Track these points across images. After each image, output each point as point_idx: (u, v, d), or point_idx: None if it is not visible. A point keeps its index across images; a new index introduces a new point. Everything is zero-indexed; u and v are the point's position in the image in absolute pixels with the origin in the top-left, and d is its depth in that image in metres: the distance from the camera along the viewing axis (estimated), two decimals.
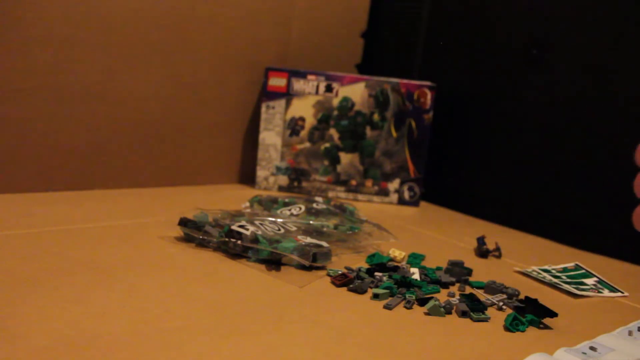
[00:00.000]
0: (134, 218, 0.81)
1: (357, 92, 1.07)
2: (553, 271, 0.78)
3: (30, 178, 0.87)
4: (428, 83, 1.07)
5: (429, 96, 1.07)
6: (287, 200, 0.90)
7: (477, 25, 1.10)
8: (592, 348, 0.53)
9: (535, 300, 0.61)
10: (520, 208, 1.02)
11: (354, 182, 1.10)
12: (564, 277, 0.75)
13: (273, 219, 0.77)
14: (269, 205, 0.88)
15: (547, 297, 0.67)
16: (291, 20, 1.13)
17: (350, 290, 0.63)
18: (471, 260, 0.79)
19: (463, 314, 0.59)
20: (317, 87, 1.07)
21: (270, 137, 1.08)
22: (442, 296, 0.64)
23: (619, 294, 0.72)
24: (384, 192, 1.10)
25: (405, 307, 0.60)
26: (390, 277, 0.67)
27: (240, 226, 0.70)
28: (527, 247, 0.91)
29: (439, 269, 0.72)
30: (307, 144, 1.08)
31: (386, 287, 0.63)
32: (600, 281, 0.75)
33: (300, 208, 0.86)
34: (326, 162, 1.09)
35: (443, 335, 0.55)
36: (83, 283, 0.57)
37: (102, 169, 0.94)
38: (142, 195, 0.95)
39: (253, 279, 0.64)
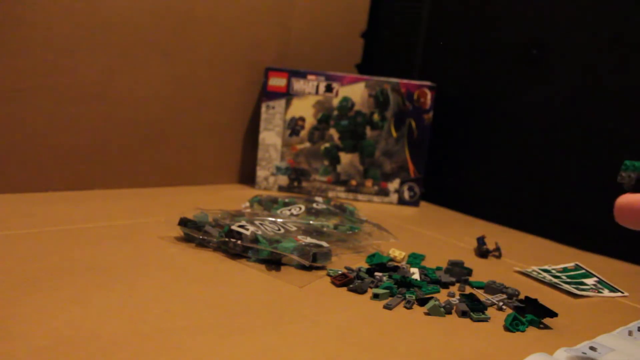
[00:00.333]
0: (134, 218, 0.81)
1: (357, 92, 1.07)
2: (553, 271, 0.78)
3: (30, 178, 0.87)
4: (428, 83, 1.07)
5: (429, 96, 1.07)
6: (287, 200, 0.90)
7: (477, 25, 1.10)
8: (592, 348, 0.53)
9: (535, 300, 0.61)
10: (520, 208, 1.02)
11: (354, 182, 1.10)
12: (564, 277, 0.75)
13: (273, 219, 0.77)
14: (269, 205, 0.88)
15: (547, 297, 0.67)
16: (291, 20, 1.13)
17: (350, 290, 0.63)
18: (471, 260, 0.79)
19: (463, 314, 0.59)
20: (317, 87, 1.07)
21: (270, 137, 1.08)
22: (442, 296, 0.64)
23: (619, 294, 0.72)
24: (384, 192, 1.10)
25: (405, 307, 0.60)
26: (390, 277, 0.67)
27: (240, 226, 0.70)
28: (527, 247, 0.91)
29: (439, 269, 0.72)
30: (307, 144, 1.08)
31: (386, 287, 0.63)
32: (600, 281, 0.75)
33: (300, 208, 0.86)
34: (326, 162, 1.09)
35: (443, 335, 0.55)
36: (83, 283, 0.57)
37: (102, 169, 0.94)
38: (142, 195, 0.95)
39: (253, 279, 0.64)
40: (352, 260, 0.73)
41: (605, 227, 0.90)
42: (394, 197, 1.10)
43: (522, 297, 0.65)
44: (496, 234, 0.91)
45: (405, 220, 0.99)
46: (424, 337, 0.54)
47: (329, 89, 1.07)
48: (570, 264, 0.81)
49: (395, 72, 1.13)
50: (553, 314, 0.59)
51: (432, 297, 0.61)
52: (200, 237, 0.71)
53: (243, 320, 0.53)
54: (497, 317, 0.60)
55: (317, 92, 1.07)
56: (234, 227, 0.70)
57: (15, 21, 0.82)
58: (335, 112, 1.08)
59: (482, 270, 0.74)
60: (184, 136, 1.03)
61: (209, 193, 1.03)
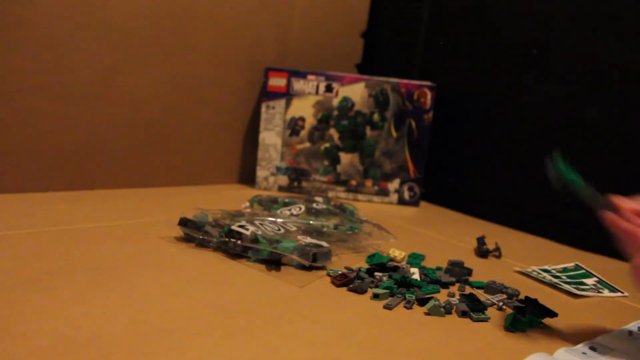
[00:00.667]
0: (134, 218, 0.81)
1: (357, 92, 1.07)
2: (553, 271, 0.78)
3: (30, 178, 0.87)
4: (428, 83, 1.07)
5: (429, 96, 1.07)
6: (287, 200, 0.90)
7: (477, 25, 1.10)
8: (592, 348, 0.53)
9: (535, 300, 0.61)
10: (520, 208, 1.02)
11: (354, 182, 1.10)
12: (564, 277, 0.75)
13: (273, 219, 0.77)
14: (269, 205, 0.88)
15: (547, 297, 0.67)
16: (291, 20, 1.13)
17: (350, 290, 0.63)
18: (471, 260, 0.79)
19: (463, 314, 0.59)
20: (317, 87, 1.07)
21: (270, 137, 1.08)
22: (442, 296, 0.64)
23: (619, 294, 0.72)
24: (384, 192, 1.10)
25: (405, 307, 0.60)
26: (390, 277, 0.67)
27: (240, 226, 0.70)
28: (527, 247, 0.91)
29: (439, 269, 0.72)
30: (307, 144, 1.08)
31: (386, 287, 0.63)
32: (600, 281, 0.75)
33: (300, 208, 0.86)
34: (326, 162, 1.09)
35: (443, 335, 0.55)
36: (83, 283, 0.57)
37: (102, 169, 0.94)
38: (142, 195, 0.95)
39: (253, 279, 0.64)
40: (352, 260, 0.73)
41: (606, 227, 0.90)
42: (394, 197, 1.10)
43: (522, 297, 0.65)
44: (496, 234, 0.91)
45: (405, 220, 0.99)
46: (424, 337, 0.54)
47: (329, 89, 1.07)
48: (570, 264, 0.81)
49: (395, 72, 1.13)
50: (553, 314, 0.59)
51: (432, 297, 0.61)
52: (200, 237, 0.71)
53: (243, 320, 0.53)
54: (497, 317, 0.60)
55: (317, 92, 1.07)
56: (234, 227, 0.69)
57: (15, 21, 0.82)
58: (335, 112, 1.08)
59: (482, 270, 0.74)
60: (184, 136, 1.03)
61: (209, 193, 1.03)
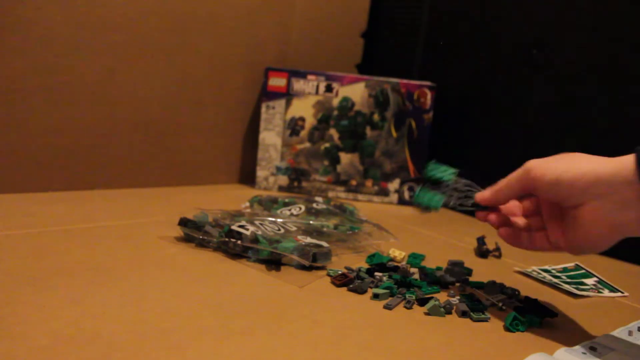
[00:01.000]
0: (134, 218, 0.81)
1: (357, 92, 1.07)
2: (553, 271, 0.78)
3: (30, 178, 0.87)
4: (428, 83, 1.07)
5: (429, 96, 1.07)
6: (287, 200, 0.90)
7: (477, 25, 1.10)
8: (592, 348, 0.53)
9: (535, 300, 0.61)
10: None
11: (354, 182, 1.10)
12: (564, 277, 0.75)
13: (273, 219, 0.77)
14: (269, 205, 0.88)
15: (547, 297, 0.67)
16: (291, 20, 1.13)
17: (350, 290, 0.63)
18: (471, 260, 0.79)
19: (463, 314, 0.59)
20: (317, 87, 1.07)
21: (270, 137, 1.08)
22: (442, 296, 0.64)
23: (619, 294, 0.72)
24: (384, 192, 1.10)
25: (405, 307, 0.60)
26: (390, 277, 0.67)
27: (240, 226, 0.70)
28: None
29: (439, 269, 0.72)
30: (307, 144, 1.08)
31: (386, 287, 0.63)
32: (600, 281, 0.75)
33: (300, 208, 0.86)
34: (326, 162, 1.09)
35: (443, 335, 0.55)
36: (83, 283, 0.57)
37: (102, 169, 0.94)
38: (142, 195, 0.95)
39: (253, 279, 0.64)
40: (352, 260, 0.73)
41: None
42: (394, 197, 1.10)
43: (522, 297, 0.65)
44: (496, 234, 0.91)
45: (405, 220, 0.99)
46: (424, 337, 0.54)
47: (329, 89, 1.07)
48: (570, 264, 0.81)
49: (395, 72, 1.13)
50: (553, 314, 0.59)
51: (432, 297, 0.61)
52: (200, 237, 0.71)
53: (243, 320, 0.53)
54: (497, 317, 0.60)
55: (317, 92, 1.07)
56: (234, 227, 0.69)
57: (15, 21, 0.82)
58: (335, 112, 1.08)
59: (482, 270, 0.74)
60: (184, 136, 1.03)
61: (209, 193, 1.03)
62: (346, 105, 1.07)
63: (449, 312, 0.60)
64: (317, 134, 1.08)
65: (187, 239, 0.73)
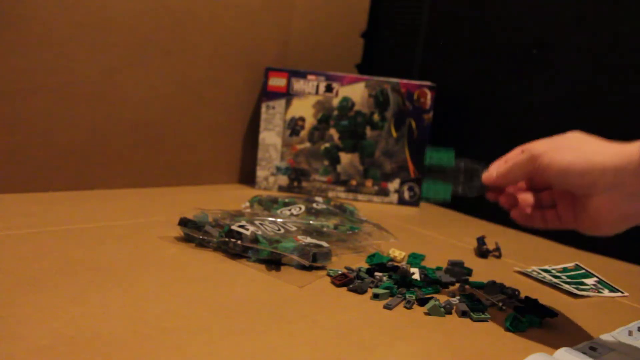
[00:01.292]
0: (134, 218, 0.81)
1: (357, 92, 1.07)
2: (553, 271, 0.78)
3: (30, 178, 0.87)
4: (428, 83, 1.07)
5: (429, 96, 1.07)
6: (287, 200, 0.90)
7: (477, 25, 1.10)
8: (592, 348, 0.53)
9: (535, 300, 0.61)
10: None
11: (354, 182, 1.10)
12: (564, 277, 0.75)
13: (273, 219, 0.77)
14: (269, 205, 0.88)
15: (547, 297, 0.67)
16: (291, 20, 1.13)
17: (350, 290, 0.63)
18: (471, 260, 0.79)
19: (463, 314, 0.59)
20: (317, 87, 1.07)
21: (270, 137, 1.08)
22: (442, 296, 0.64)
23: (619, 294, 0.72)
24: (384, 192, 1.10)
25: (405, 307, 0.60)
26: (390, 277, 0.67)
27: (240, 226, 0.70)
28: (527, 247, 0.91)
29: (439, 269, 0.72)
30: (307, 144, 1.08)
31: (386, 287, 0.63)
32: (600, 281, 0.75)
33: (300, 208, 0.86)
34: (326, 162, 1.09)
35: (443, 335, 0.55)
36: (83, 283, 0.57)
37: (102, 169, 0.94)
38: (142, 195, 0.95)
39: (253, 279, 0.64)
40: (352, 260, 0.73)
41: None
42: (394, 197, 1.10)
43: (522, 297, 0.65)
44: (496, 234, 0.91)
45: (405, 220, 0.99)
46: (424, 337, 0.54)
47: (329, 89, 1.07)
48: (570, 264, 0.81)
49: (395, 72, 1.13)
50: (553, 314, 0.59)
51: (432, 297, 0.61)
52: (200, 237, 0.71)
53: (243, 320, 0.53)
54: (497, 317, 0.60)
55: (317, 92, 1.07)
56: (234, 227, 0.69)
57: (15, 21, 0.82)
58: (335, 112, 1.08)
59: (482, 270, 0.74)
60: (184, 136, 1.03)
61: (209, 193, 1.03)
62: (346, 105, 1.07)
63: (449, 312, 0.60)
64: (317, 134, 1.08)
65: (187, 239, 0.73)
